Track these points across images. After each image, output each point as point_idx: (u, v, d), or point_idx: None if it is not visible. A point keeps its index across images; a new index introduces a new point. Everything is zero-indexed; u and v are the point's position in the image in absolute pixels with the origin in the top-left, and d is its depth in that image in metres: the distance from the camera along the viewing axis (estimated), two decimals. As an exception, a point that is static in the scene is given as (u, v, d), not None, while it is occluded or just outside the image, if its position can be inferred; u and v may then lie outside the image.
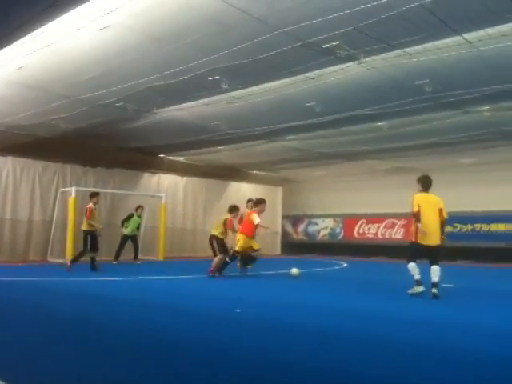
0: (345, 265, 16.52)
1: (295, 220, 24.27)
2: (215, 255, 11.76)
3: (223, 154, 17.60)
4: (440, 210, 7.86)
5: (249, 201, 12.98)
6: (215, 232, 11.69)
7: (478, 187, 17.80)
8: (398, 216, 20.91)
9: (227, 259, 10.82)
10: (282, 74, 9.33)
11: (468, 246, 17.43)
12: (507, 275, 13.51)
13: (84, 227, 11.99)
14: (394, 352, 4.12)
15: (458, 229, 18.75)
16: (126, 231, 15.08)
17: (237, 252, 11.04)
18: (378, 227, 21.87)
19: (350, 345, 4.38)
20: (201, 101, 11.20)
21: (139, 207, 15.53)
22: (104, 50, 8.36)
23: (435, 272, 7.51)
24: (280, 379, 3.31)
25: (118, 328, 5.02)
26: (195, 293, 8.34)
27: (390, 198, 20.43)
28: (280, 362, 3.69)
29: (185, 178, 19.82)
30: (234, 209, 11.51)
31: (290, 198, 23.85)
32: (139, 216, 15.51)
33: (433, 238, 7.70)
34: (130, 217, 15.20)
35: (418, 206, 7.75)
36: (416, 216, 7.71)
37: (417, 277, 7.63)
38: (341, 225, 22.92)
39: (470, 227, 18.74)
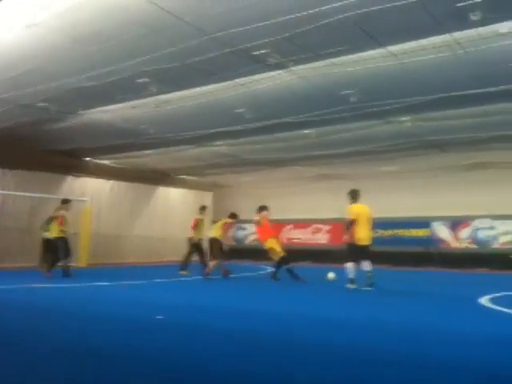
0: (269, 270, 16.61)
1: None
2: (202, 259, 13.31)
3: (151, 158, 17.29)
4: (370, 218, 9.92)
5: (202, 208, 14.91)
6: (215, 234, 12.53)
7: (399, 194, 18.57)
8: (324, 221, 21.45)
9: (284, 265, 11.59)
10: (212, 79, 9.28)
11: (389, 251, 18.07)
12: (426, 278, 14.11)
13: (55, 234, 12.54)
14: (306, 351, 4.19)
15: (379, 234, 19.41)
16: (48, 234, 14.41)
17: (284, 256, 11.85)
18: (305, 232, 22.26)
19: (267, 347, 4.39)
20: (128, 103, 10.93)
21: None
22: (27, 49, 7.96)
23: (368, 264, 9.59)
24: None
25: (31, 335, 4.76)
26: (119, 300, 8.09)
27: (316, 204, 20.95)
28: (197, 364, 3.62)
29: (111, 182, 19.26)
30: (235, 216, 12.95)
31: (220, 203, 23.79)
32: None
33: (366, 239, 9.71)
34: (51, 220, 14.55)
35: (356, 215, 9.70)
36: (352, 223, 9.66)
37: (351, 276, 9.49)
38: (269, 230, 23.07)
39: (390, 232, 19.47)
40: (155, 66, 8.52)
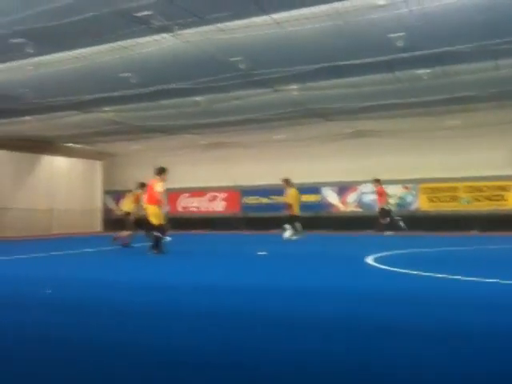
0: (168, 238, 16.50)
1: (117, 195, 23.52)
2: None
3: (32, 125, 16.20)
4: None
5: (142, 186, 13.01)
6: (126, 208, 12.34)
7: (290, 161, 19.09)
8: (220, 189, 21.60)
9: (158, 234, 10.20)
10: (93, 40, 8.83)
11: (280, 217, 18.60)
12: (316, 240, 14.75)
13: None
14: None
15: (273, 200, 19.93)
16: None
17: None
18: (201, 200, 22.29)
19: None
20: (2, 65, 10.12)
21: None
22: None
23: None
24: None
25: None
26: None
27: (211, 172, 20.99)
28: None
29: (-11, 151, 17.92)
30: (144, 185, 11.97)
31: (111, 172, 23.05)
32: None
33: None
34: None
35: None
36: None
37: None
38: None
39: (283, 199, 20.00)
40: (30, 25, 7.93)
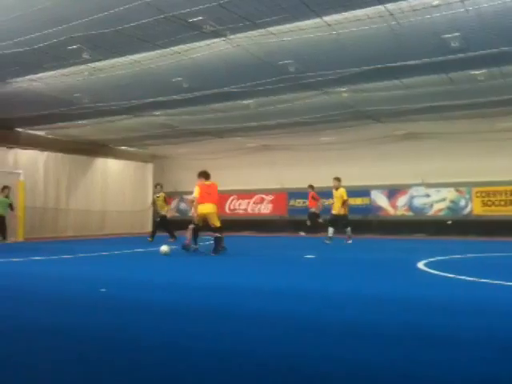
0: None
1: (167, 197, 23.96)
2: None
3: (87, 129, 16.76)
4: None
5: (156, 185, 15.56)
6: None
7: (339, 164, 18.92)
8: (266, 192, 21.66)
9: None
10: (147, 46, 9.03)
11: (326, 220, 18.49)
12: (366, 245, 14.57)
13: None
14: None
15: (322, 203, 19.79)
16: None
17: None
18: (248, 203, 22.42)
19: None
20: (60, 71, 10.50)
21: (4, 188, 15.27)
22: None
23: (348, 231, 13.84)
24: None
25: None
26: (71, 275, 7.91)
27: (258, 175, 21.09)
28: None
29: (45, 154, 18.56)
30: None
31: (161, 174, 23.49)
32: (7, 197, 15.28)
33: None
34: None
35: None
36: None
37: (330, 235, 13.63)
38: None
39: (331, 201, 19.83)
40: (87, 31, 8.20)
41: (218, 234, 10.61)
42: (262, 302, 5.26)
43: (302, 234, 18.29)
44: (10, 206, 15.41)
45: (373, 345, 3.45)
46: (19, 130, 17.37)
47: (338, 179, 13.99)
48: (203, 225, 10.87)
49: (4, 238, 15.15)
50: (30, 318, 4.53)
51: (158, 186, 15.56)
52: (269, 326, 4.11)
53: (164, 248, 10.42)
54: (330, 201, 15.01)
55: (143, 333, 3.88)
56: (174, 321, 4.33)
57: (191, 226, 10.93)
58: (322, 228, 16.86)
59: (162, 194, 15.20)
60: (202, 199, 10.60)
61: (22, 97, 12.23)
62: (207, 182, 10.84)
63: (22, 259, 10.14)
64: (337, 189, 14.01)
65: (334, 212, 14.15)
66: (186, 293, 5.88)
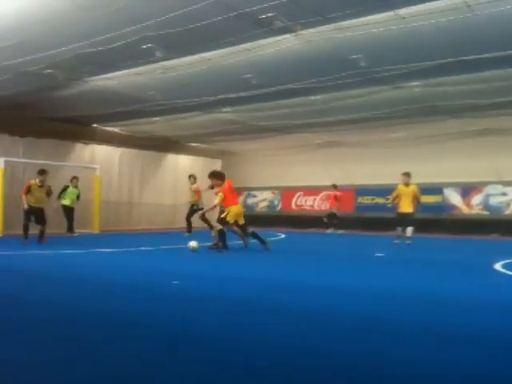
0: (283, 236, 16.78)
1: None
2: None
3: (159, 125, 17.26)
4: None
5: (190, 176, 15.72)
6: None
7: (410, 161, 18.38)
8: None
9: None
10: (218, 44, 9.16)
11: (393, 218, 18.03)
12: (439, 245, 14.13)
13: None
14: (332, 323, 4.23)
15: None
16: (65, 202, 14.93)
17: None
18: (315, 199, 22.29)
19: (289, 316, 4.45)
20: (133, 69, 10.86)
21: (74, 178, 15.21)
22: (33, 15, 7.92)
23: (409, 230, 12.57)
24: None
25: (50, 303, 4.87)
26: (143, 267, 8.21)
27: (325, 171, 20.88)
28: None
29: (120, 150, 19.31)
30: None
31: (229, 170, 23.74)
32: (75, 187, 15.18)
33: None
34: (65, 189, 15.01)
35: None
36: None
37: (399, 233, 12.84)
38: (279, 197, 23.20)
39: (393, 199, 19.29)
40: (160, 31, 8.41)
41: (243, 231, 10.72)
42: (343, 300, 5.22)
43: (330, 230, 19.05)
44: (78, 197, 15.29)
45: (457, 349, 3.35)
46: (95, 126, 18.14)
47: (407, 174, 12.83)
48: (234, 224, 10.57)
49: (71, 230, 14.96)
50: (117, 310, 4.73)
51: (191, 177, 15.81)
52: (357, 326, 4.08)
53: (193, 244, 10.02)
54: (390, 199, 13.68)
55: (213, 326, 3.95)
56: (250, 316, 4.38)
57: (219, 228, 10.37)
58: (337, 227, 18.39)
59: (194, 186, 15.41)
60: (232, 200, 10.45)
61: (98, 95, 12.75)
62: (225, 184, 10.49)
63: (107, 250, 10.62)
64: (407, 185, 12.83)
65: (402, 210, 12.79)
66: (263, 289, 5.91)
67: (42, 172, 11.89)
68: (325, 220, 19.13)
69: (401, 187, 12.98)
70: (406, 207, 12.74)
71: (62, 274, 7.14)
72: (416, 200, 12.85)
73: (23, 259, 9.08)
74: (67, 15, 7.91)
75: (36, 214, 11.69)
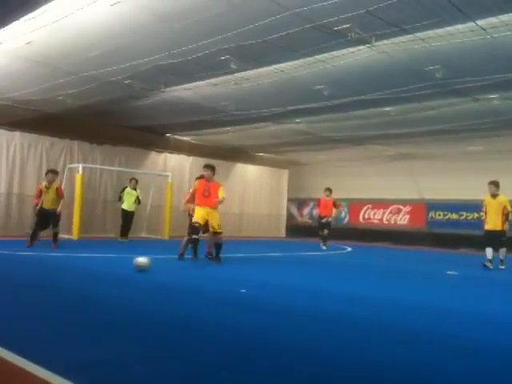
0: (349, 249, 16.57)
1: (300, 203, 24.30)
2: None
3: (230, 135, 17.57)
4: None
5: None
6: None
7: (483, 175, 17.66)
8: (404, 202, 20.92)
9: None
10: (292, 55, 9.25)
11: (473, 234, 17.34)
12: None
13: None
14: (389, 336, 4.17)
15: (464, 217, 18.73)
16: (123, 205, 15.01)
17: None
18: (384, 213, 21.85)
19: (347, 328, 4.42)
20: (209, 81, 11.14)
21: (132, 179, 15.31)
22: (113, 27, 8.32)
23: (502, 252, 10.88)
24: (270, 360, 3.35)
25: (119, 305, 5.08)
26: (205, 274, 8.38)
27: (395, 184, 20.42)
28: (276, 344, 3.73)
29: (191, 158, 19.78)
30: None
31: (296, 180, 23.84)
32: (134, 189, 15.18)
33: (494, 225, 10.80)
34: (123, 189, 15.15)
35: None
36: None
37: (489, 257, 10.67)
38: (346, 209, 22.93)
39: (475, 215, 18.63)
40: (236, 42, 8.60)
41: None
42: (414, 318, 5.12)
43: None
44: (138, 200, 15.13)
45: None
46: (168, 135, 18.72)
47: (495, 184, 11.03)
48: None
49: (125, 235, 14.81)
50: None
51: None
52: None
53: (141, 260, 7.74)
54: (482, 214, 11.45)
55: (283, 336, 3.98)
56: (314, 327, 4.39)
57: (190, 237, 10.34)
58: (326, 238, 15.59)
59: None
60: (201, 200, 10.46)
61: (173, 105, 13.19)
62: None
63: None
64: (494, 196, 11.00)
65: (489, 227, 10.93)
66: (330, 301, 5.90)
67: (47, 173, 11.68)
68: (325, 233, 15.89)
69: (487, 199, 11.19)
70: (494, 224, 10.90)
71: (162, 281, 7.40)
72: (506, 214, 10.93)
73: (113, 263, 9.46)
74: (149, 28, 8.25)
75: (49, 217, 11.30)
